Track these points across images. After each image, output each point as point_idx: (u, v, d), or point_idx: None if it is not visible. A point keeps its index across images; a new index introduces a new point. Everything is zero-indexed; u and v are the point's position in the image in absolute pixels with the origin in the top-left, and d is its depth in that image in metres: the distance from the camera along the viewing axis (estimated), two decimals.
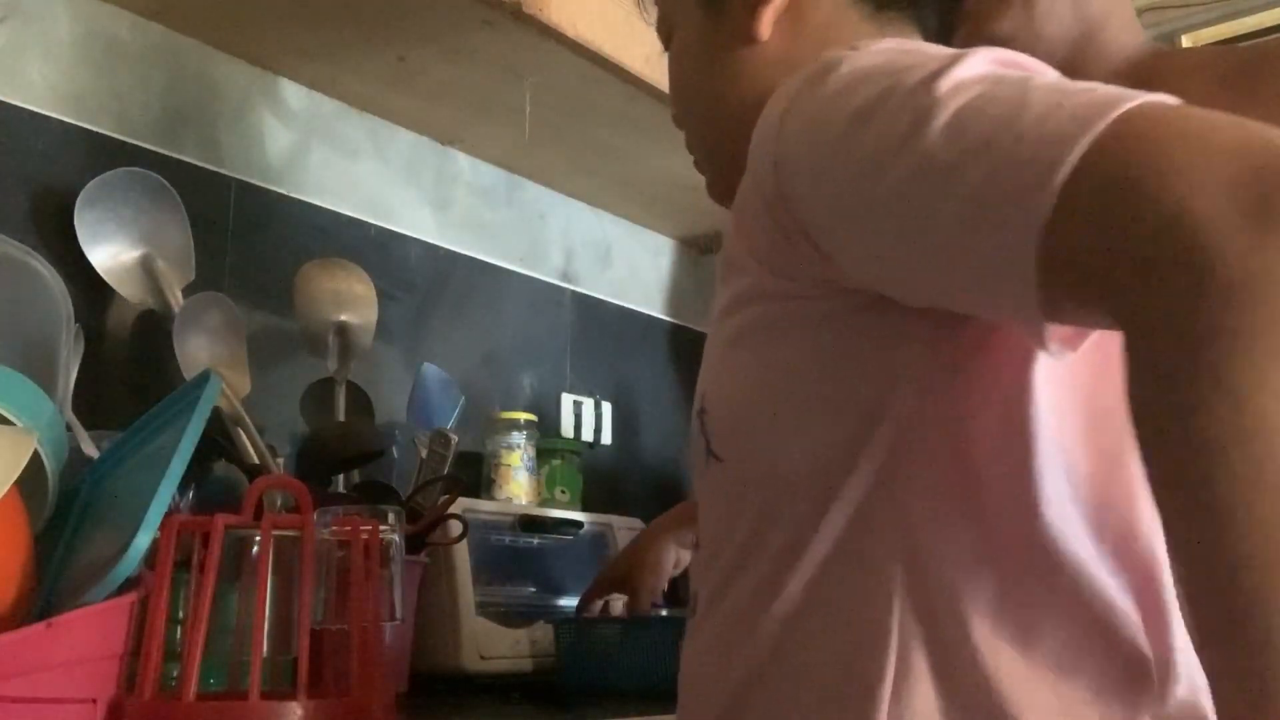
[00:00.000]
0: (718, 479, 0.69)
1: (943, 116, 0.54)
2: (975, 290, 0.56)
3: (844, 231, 0.60)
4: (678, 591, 1.72)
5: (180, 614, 0.92)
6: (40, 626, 0.76)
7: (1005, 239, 0.51)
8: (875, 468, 0.62)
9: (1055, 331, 0.55)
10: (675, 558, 1.40)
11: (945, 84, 0.55)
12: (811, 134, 0.61)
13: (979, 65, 0.57)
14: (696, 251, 2.19)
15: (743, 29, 0.76)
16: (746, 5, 0.75)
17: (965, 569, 0.60)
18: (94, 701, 0.81)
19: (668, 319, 2.12)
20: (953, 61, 0.57)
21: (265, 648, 0.88)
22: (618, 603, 1.36)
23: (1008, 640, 0.59)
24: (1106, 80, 0.57)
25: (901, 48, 0.64)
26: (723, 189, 0.83)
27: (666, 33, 0.84)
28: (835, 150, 0.59)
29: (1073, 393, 0.62)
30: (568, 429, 1.84)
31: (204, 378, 0.92)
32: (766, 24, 0.75)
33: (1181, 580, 0.47)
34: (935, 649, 0.60)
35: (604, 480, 1.87)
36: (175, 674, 0.89)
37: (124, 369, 1.29)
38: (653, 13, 0.92)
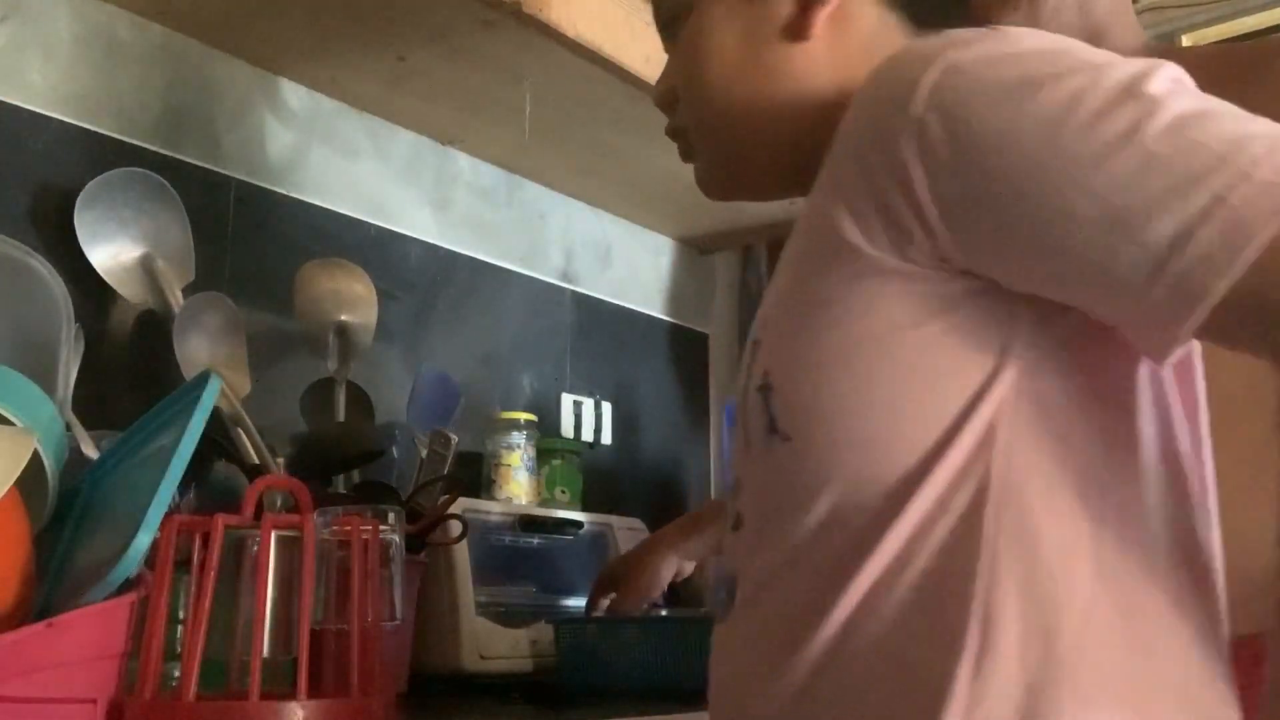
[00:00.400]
0: (782, 457, 0.67)
1: (1164, 117, 0.55)
2: (1120, 294, 0.57)
3: (999, 209, 0.59)
4: (677, 592, 1.72)
5: (180, 614, 0.92)
6: (40, 626, 0.76)
7: (1205, 254, 0.53)
8: (974, 448, 0.62)
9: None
10: (676, 568, 1.40)
11: (1158, 84, 0.57)
12: (987, 108, 0.59)
13: (1175, 72, 0.58)
14: (696, 251, 2.20)
15: (791, 25, 0.75)
16: (800, 2, 0.75)
17: (1064, 553, 0.60)
18: (94, 701, 0.81)
19: (668, 319, 2.12)
20: (1154, 63, 0.58)
21: (265, 648, 0.88)
22: (605, 602, 1.37)
23: (1097, 624, 0.60)
24: None
25: (1054, 37, 0.63)
26: (721, 178, 0.82)
27: (675, 10, 0.82)
28: (1022, 127, 0.58)
29: (1171, 391, 0.65)
30: (568, 429, 1.84)
31: (204, 378, 0.92)
32: (820, 24, 0.75)
33: None
34: (1022, 637, 0.59)
35: (604, 480, 1.87)
36: (175, 674, 0.89)
37: (124, 369, 1.29)
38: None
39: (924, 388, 0.63)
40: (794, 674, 0.65)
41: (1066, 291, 0.60)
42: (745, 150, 0.79)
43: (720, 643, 0.73)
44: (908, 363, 0.63)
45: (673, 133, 0.86)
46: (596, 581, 1.41)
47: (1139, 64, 0.58)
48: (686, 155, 0.85)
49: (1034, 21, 0.94)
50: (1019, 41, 0.61)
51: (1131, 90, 0.56)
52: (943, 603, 0.61)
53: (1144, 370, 0.63)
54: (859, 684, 0.63)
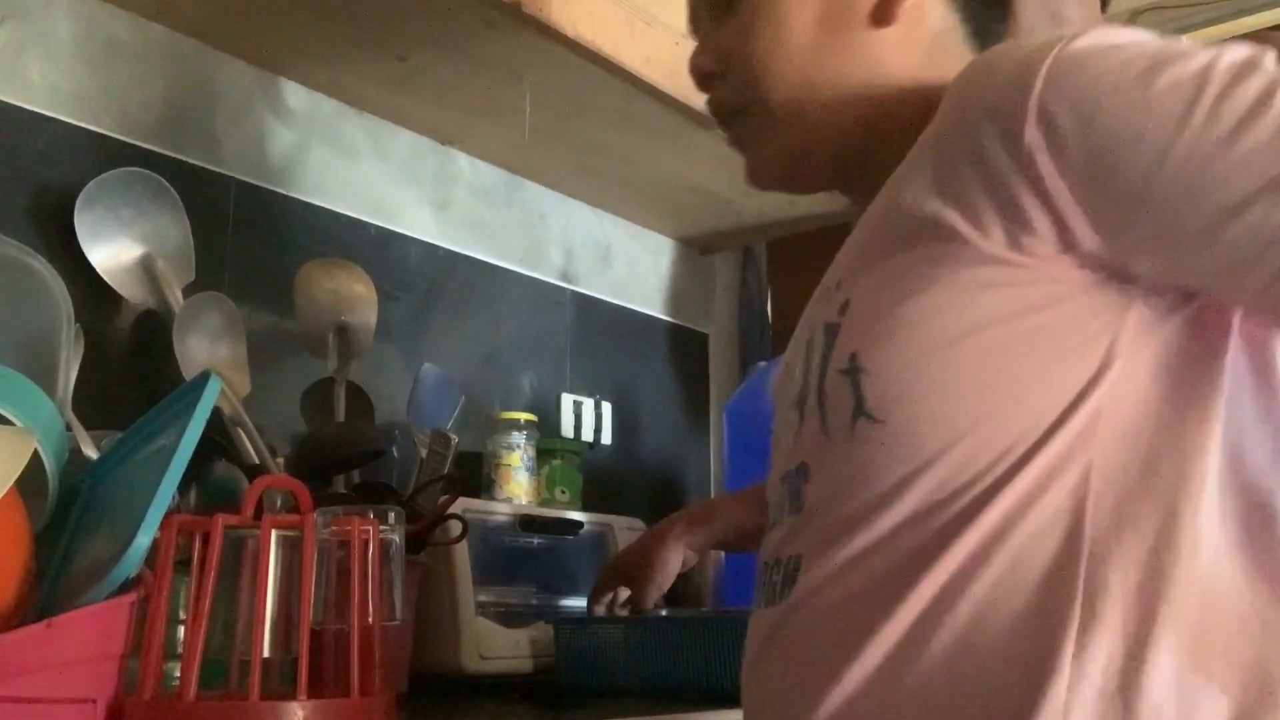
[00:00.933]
0: (870, 441, 0.66)
1: None
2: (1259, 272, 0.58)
3: (1139, 186, 0.59)
4: (677, 592, 1.72)
5: (180, 614, 0.92)
6: (40, 626, 0.76)
7: None
8: (1077, 436, 0.62)
9: None
10: (683, 558, 1.40)
11: (1270, 60, 0.58)
12: (1114, 88, 0.60)
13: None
14: (696, 251, 2.19)
15: (874, 10, 0.75)
16: None
17: (1167, 541, 0.61)
18: (94, 701, 0.80)
19: (668, 319, 2.12)
20: (1259, 47, 0.59)
21: (265, 648, 0.88)
22: (623, 594, 1.35)
23: (1208, 604, 0.60)
24: None
25: (1149, 35, 0.64)
26: (779, 164, 0.80)
27: None
28: (1153, 103, 0.59)
29: None
30: (568, 429, 1.84)
31: (204, 378, 0.92)
32: (903, 12, 0.75)
33: None
34: (1125, 623, 0.60)
35: (604, 480, 1.87)
36: (175, 674, 0.89)
37: (124, 369, 1.29)
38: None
39: (1032, 378, 0.63)
40: (872, 660, 0.64)
41: (1206, 260, 0.60)
42: (810, 136, 0.78)
43: (771, 629, 0.72)
44: (1016, 353, 0.63)
45: (716, 107, 0.82)
46: (602, 575, 1.41)
47: (1246, 46, 0.59)
48: (736, 137, 0.82)
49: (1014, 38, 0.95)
50: (1122, 34, 0.62)
51: (1250, 64, 0.58)
52: (1042, 585, 0.61)
53: (1245, 362, 0.64)
54: (948, 669, 0.62)
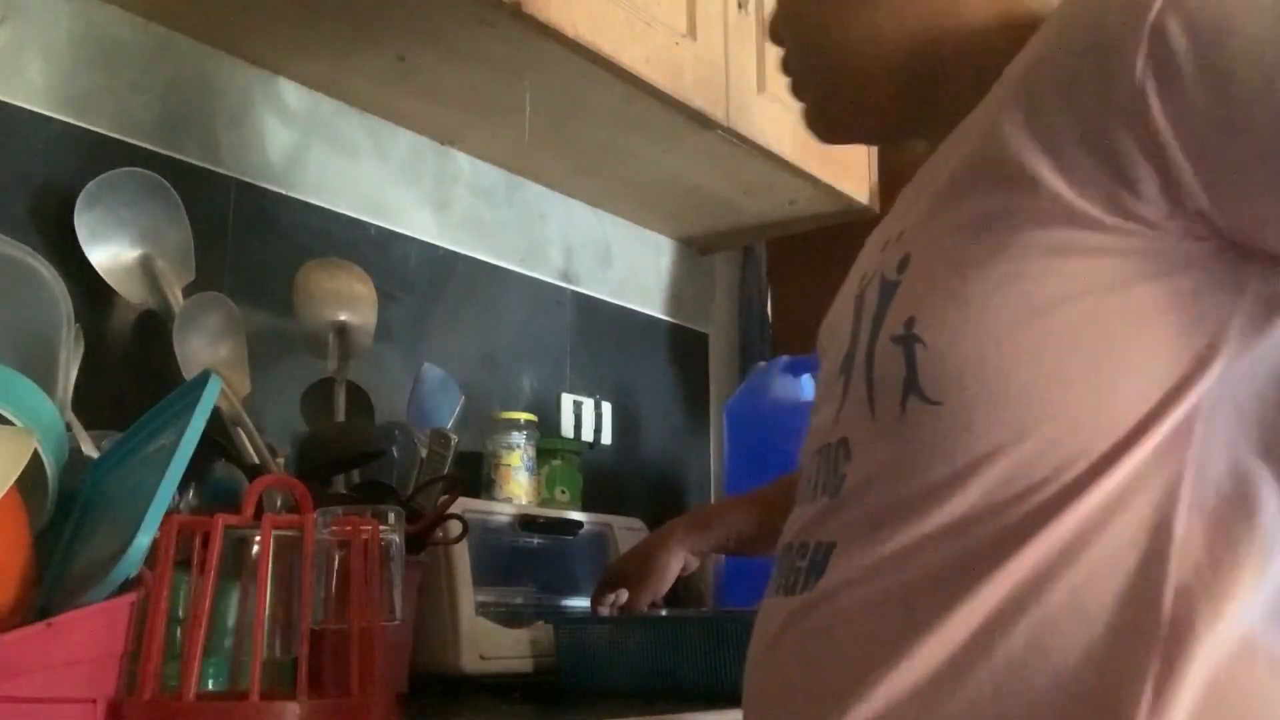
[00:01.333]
0: (923, 424, 0.58)
1: None
2: None
3: (1262, 148, 0.50)
4: (677, 592, 1.72)
5: (180, 614, 0.92)
6: (40, 626, 0.76)
7: None
8: (1170, 438, 0.55)
9: None
10: (684, 564, 1.40)
11: None
12: (1239, 18, 0.51)
13: None
14: (696, 251, 2.19)
15: None
16: None
17: (1260, 558, 0.54)
18: (94, 701, 0.81)
19: (668, 319, 2.12)
20: None
21: (265, 648, 0.88)
22: (623, 595, 1.36)
23: None
24: None
25: None
26: (835, 111, 0.76)
27: None
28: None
29: None
30: (568, 429, 1.84)
31: (204, 378, 0.92)
32: None
33: None
34: (1221, 641, 0.53)
35: (604, 480, 1.87)
36: (175, 674, 0.89)
37: (124, 369, 1.29)
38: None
39: (1120, 365, 0.55)
40: (905, 679, 0.57)
41: None
42: (862, 80, 0.72)
43: (788, 618, 0.65)
44: (1102, 334, 0.55)
45: (784, 66, 0.79)
46: (602, 578, 1.41)
47: None
48: (796, 90, 0.78)
49: None
50: None
51: None
52: (1115, 617, 0.54)
53: None
54: (997, 702, 0.55)
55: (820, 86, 0.75)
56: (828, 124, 0.77)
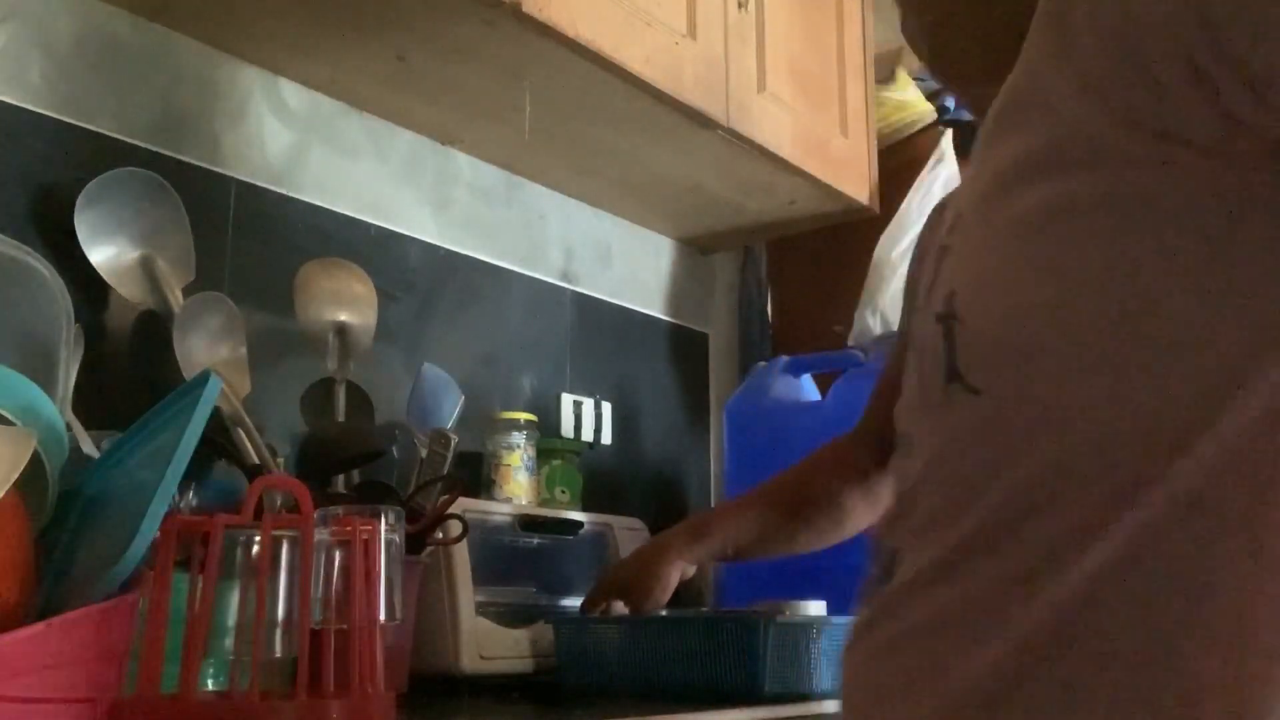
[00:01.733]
0: (966, 417, 0.51)
1: None
2: None
3: None
4: (677, 592, 1.72)
5: (180, 614, 0.92)
6: (40, 626, 0.76)
7: None
8: (1249, 427, 0.47)
9: None
10: (681, 573, 1.39)
11: None
12: None
13: None
14: (696, 251, 2.20)
15: None
16: None
17: None
18: (94, 701, 0.80)
19: (668, 319, 2.12)
20: None
21: (265, 648, 0.88)
22: (618, 607, 1.35)
23: None
24: None
25: None
26: (947, 37, 0.71)
27: None
28: None
29: None
30: (568, 429, 1.84)
31: (204, 378, 0.92)
32: None
33: None
34: None
35: (604, 480, 1.87)
36: (175, 674, 0.89)
37: (124, 369, 1.29)
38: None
39: (1187, 334, 0.47)
40: (976, 674, 0.51)
41: None
42: (957, 9, 0.68)
43: (866, 622, 0.59)
44: (1167, 299, 0.46)
45: (910, 10, 0.76)
46: (598, 586, 1.40)
47: None
48: (930, 34, 0.74)
49: None
50: None
51: None
52: (1183, 641, 0.48)
53: None
54: (1077, 691, 0.49)
55: (938, 8, 0.71)
56: (935, 52, 0.71)
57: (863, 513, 1.34)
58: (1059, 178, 0.48)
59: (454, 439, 1.38)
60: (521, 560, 1.53)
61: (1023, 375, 0.49)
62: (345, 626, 0.91)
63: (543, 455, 1.67)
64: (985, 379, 0.50)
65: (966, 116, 2.02)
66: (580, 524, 1.59)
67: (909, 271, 1.28)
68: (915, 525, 0.56)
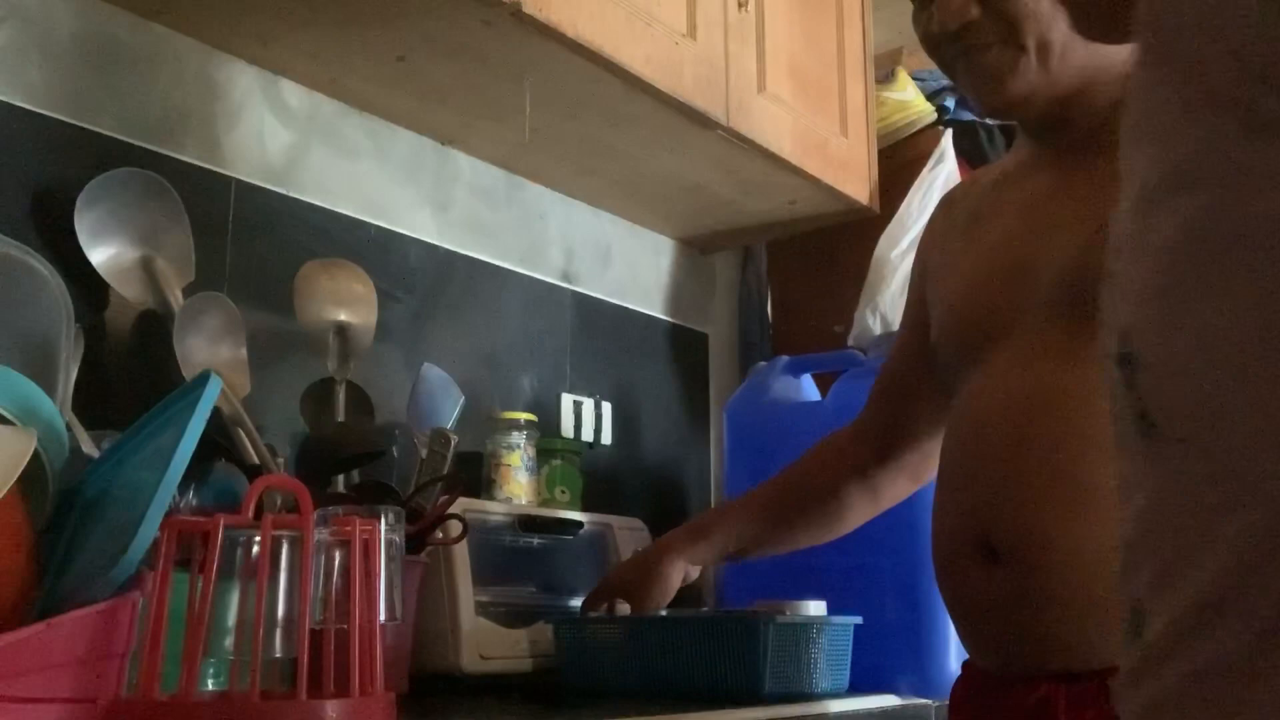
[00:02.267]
0: (1167, 461, 0.45)
1: None
2: None
3: None
4: (679, 594, 1.72)
5: (180, 614, 0.92)
6: (40, 626, 0.76)
7: None
8: None
9: None
10: (685, 574, 1.38)
11: None
12: None
13: None
14: (696, 251, 2.19)
15: None
16: None
17: None
18: (94, 701, 0.81)
19: (668, 319, 2.12)
20: None
21: (265, 648, 0.88)
22: (623, 608, 1.34)
23: None
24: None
25: None
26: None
27: None
28: None
29: None
30: (568, 429, 1.84)
31: (204, 378, 0.92)
32: None
33: None
34: None
35: (604, 480, 1.87)
36: (175, 674, 0.89)
37: (124, 369, 1.29)
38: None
39: None
40: None
41: None
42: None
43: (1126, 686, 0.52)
44: None
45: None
46: (600, 587, 1.40)
47: None
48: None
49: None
50: None
51: None
52: None
53: None
54: None
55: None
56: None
57: (862, 507, 1.34)
58: (1217, 189, 0.44)
59: (454, 439, 1.38)
60: (521, 560, 1.53)
61: (1233, 418, 0.43)
62: (345, 626, 0.91)
63: (543, 455, 1.67)
64: (1186, 426, 0.45)
65: (967, 116, 2.02)
66: (580, 524, 1.59)
67: (915, 261, 1.27)
68: (1151, 580, 0.48)
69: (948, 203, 1.26)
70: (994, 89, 1.05)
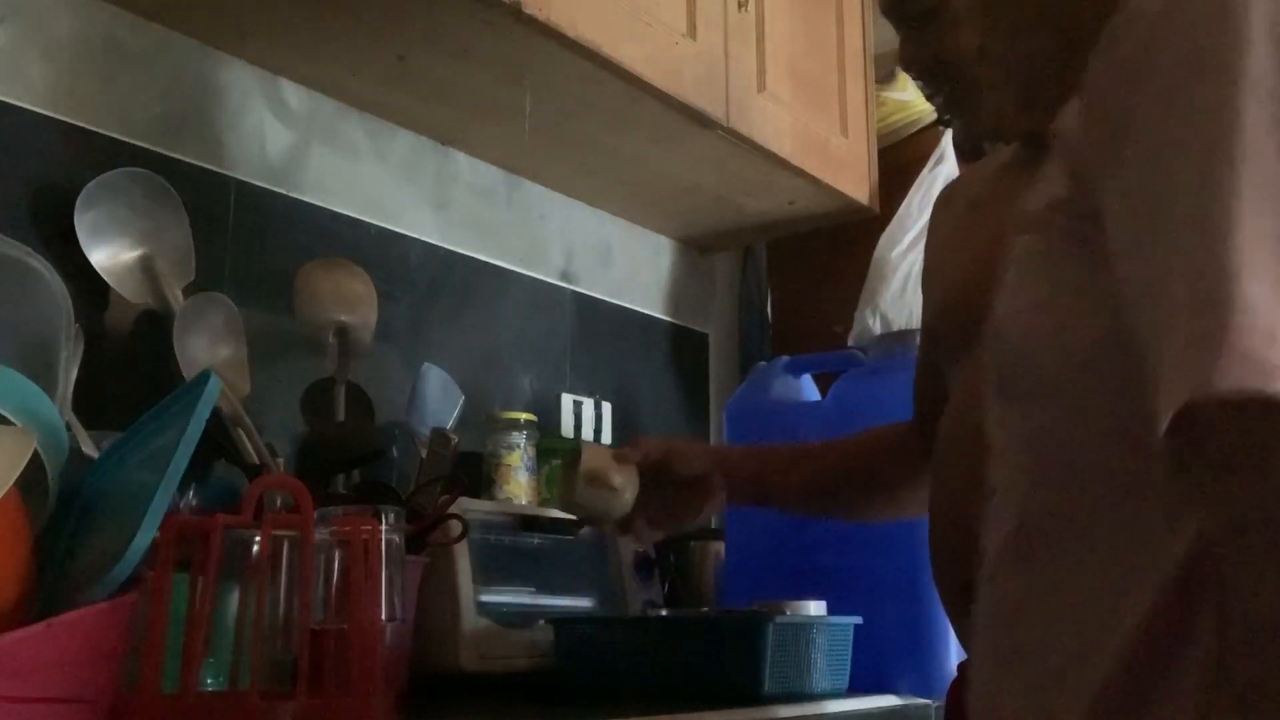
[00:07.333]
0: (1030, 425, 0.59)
1: None
2: None
3: None
4: (677, 592, 1.72)
5: (180, 614, 0.92)
6: (40, 626, 0.76)
7: None
8: None
9: None
10: (716, 481, 1.22)
11: None
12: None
13: None
14: (696, 251, 2.19)
15: None
16: None
17: None
18: (94, 701, 0.81)
19: (668, 319, 2.12)
20: None
21: (265, 648, 0.88)
22: (644, 531, 1.20)
23: None
24: None
25: None
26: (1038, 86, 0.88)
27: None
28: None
29: None
30: (568, 429, 1.84)
31: (204, 378, 0.92)
32: None
33: None
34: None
35: None
36: (175, 674, 0.89)
37: (124, 369, 1.29)
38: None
39: None
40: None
41: None
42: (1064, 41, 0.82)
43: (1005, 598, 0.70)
44: None
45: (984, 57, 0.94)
46: (642, 439, 1.24)
47: None
48: (1002, 84, 0.94)
49: None
50: None
51: None
52: None
53: None
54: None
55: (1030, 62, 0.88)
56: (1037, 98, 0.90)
57: (907, 504, 1.27)
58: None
59: (454, 439, 1.38)
60: (521, 560, 1.53)
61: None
62: (345, 626, 0.91)
63: (543, 455, 1.67)
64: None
65: None
66: (580, 524, 1.58)
67: (925, 260, 1.26)
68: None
69: (947, 195, 1.26)
70: (959, 126, 1.10)
